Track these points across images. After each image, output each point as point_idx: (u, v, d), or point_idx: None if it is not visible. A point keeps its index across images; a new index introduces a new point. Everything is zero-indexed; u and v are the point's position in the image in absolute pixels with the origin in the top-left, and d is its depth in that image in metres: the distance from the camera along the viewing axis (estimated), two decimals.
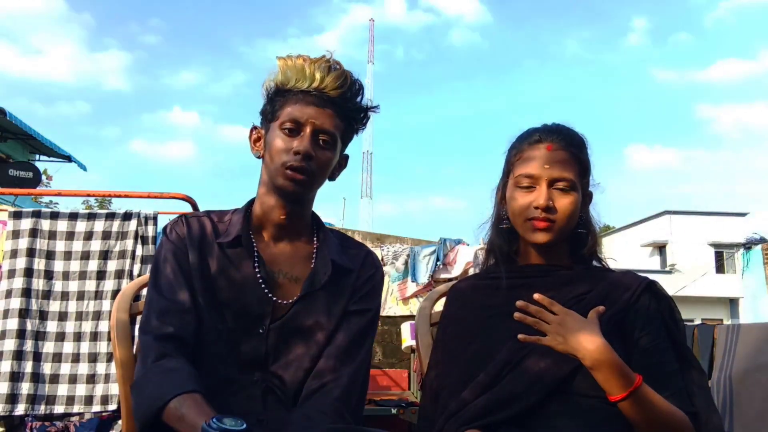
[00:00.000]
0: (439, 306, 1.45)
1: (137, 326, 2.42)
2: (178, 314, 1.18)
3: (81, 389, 2.52)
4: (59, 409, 2.50)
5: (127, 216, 2.70)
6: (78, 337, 2.57)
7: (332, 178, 1.32)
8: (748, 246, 22.59)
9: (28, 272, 2.57)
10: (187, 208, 2.99)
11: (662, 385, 1.15)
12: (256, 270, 1.23)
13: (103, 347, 2.56)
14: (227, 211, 1.32)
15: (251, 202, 1.32)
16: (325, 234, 1.33)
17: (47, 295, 2.58)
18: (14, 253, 2.60)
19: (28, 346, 2.51)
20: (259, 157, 1.30)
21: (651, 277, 1.29)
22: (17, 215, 2.65)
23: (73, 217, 2.67)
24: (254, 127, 1.32)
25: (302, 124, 1.22)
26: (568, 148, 1.27)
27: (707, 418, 1.16)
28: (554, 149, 1.26)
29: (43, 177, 11.40)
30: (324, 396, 1.18)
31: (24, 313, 2.53)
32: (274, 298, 1.23)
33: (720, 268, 23.59)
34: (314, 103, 1.23)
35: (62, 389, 2.52)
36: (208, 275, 1.23)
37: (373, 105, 1.32)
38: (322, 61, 1.25)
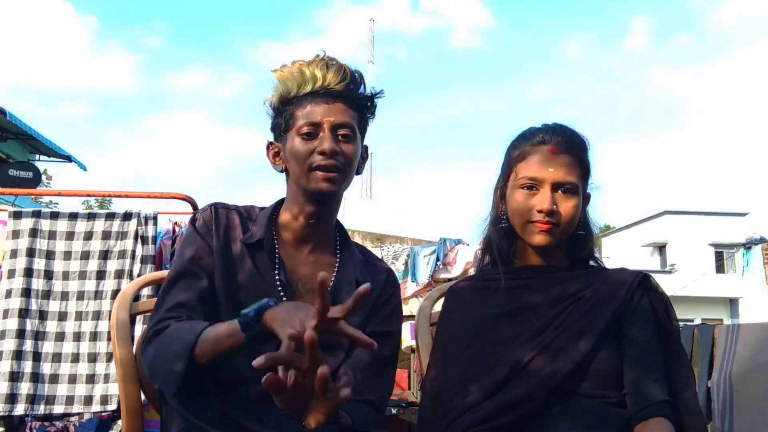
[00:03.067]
0: (439, 306, 1.45)
1: (137, 326, 2.44)
2: (186, 310, 1.17)
3: (80, 389, 2.51)
4: (59, 409, 2.50)
5: (127, 216, 2.70)
6: (77, 336, 2.57)
7: (358, 171, 1.31)
8: (748, 246, 22.54)
9: (28, 272, 2.57)
10: (187, 208, 2.99)
11: (646, 372, 1.17)
12: (276, 274, 1.23)
13: (102, 347, 2.56)
14: (255, 208, 1.31)
15: (279, 203, 1.31)
16: (349, 248, 1.32)
17: (47, 295, 2.58)
18: (14, 253, 2.60)
19: (28, 345, 2.51)
20: (282, 171, 1.29)
21: (648, 274, 1.29)
22: (17, 215, 2.65)
23: (73, 217, 2.67)
24: (270, 143, 1.31)
25: (319, 124, 1.21)
26: (571, 151, 1.26)
27: (691, 418, 1.17)
28: (558, 152, 1.25)
29: (43, 177, 11.39)
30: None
31: (24, 313, 2.52)
32: None
33: (720, 268, 23.59)
34: (324, 101, 1.23)
35: (62, 389, 2.52)
36: (230, 267, 1.23)
37: (376, 91, 1.30)
38: (318, 60, 1.24)
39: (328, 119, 1.21)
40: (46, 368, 2.52)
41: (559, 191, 1.24)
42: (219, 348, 1.06)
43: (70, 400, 2.51)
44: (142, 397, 1.35)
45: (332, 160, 1.20)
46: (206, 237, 1.24)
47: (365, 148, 1.34)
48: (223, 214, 1.27)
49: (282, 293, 1.22)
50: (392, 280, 1.36)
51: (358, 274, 1.28)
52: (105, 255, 2.64)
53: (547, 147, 1.26)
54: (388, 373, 1.29)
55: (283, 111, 1.26)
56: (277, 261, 1.24)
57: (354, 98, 1.26)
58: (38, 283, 2.57)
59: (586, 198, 1.32)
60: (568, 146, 1.26)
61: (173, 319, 1.15)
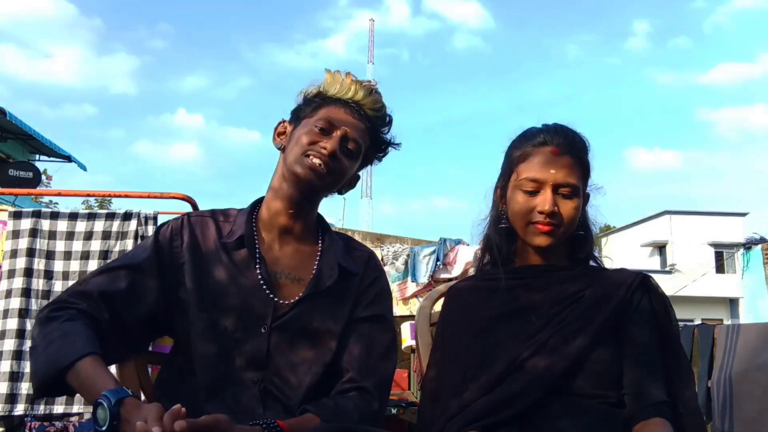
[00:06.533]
0: (439, 306, 1.45)
1: None
2: (90, 298, 1.17)
3: None
4: (58, 408, 2.50)
5: (127, 216, 2.70)
6: None
7: (340, 191, 1.35)
8: (748, 246, 22.57)
9: (28, 272, 2.57)
10: (187, 208, 2.99)
11: (646, 372, 1.17)
12: (258, 270, 1.24)
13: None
14: (233, 210, 1.33)
15: (257, 203, 1.33)
16: (330, 236, 1.34)
17: (47, 295, 2.58)
18: (14, 253, 2.60)
19: (28, 346, 2.51)
20: (279, 149, 1.32)
21: (648, 275, 1.29)
22: (17, 215, 2.65)
23: (73, 217, 2.67)
24: (282, 121, 1.35)
25: (335, 127, 1.26)
26: (572, 152, 1.26)
27: (690, 418, 1.17)
28: (560, 153, 1.25)
29: (43, 177, 11.39)
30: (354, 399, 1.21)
31: (24, 313, 2.52)
32: (276, 299, 1.23)
33: (720, 268, 23.57)
34: (350, 113, 1.29)
35: None
36: (204, 271, 1.24)
37: (395, 141, 1.38)
38: (367, 83, 1.32)
39: (345, 127, 1.27)
40: None
41: (560, 192, 1.24)
42: (82, 393, 1.06)
43: (69, 400, 2.51)
44: (142, 397, 1.35)
45: (327, 160, 1.23)
46: (162, 248, 1.25)
47: (356, 177, 1.38)
48: (197, 222, 1.29)
49: (265, 287, 1.23)
50: (374, 263, 1.37)
51: (340, 259, 1.29)
52: (105, 255, 2.64)
53: (548, 148, 1.25)
54: (387, 357, 1.28)
55: (313, 101, 1.31)
56: (257, 256, 1.25)
57: (376, 127, 1.33)
58: (38, 283, 2.57)
59: (586, 198, 1.32)
60: (569, 147, 1.26)
61: (74, 308, 1.14)
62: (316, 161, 1.23)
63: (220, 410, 1.14)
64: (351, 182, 1.36)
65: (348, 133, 1.27)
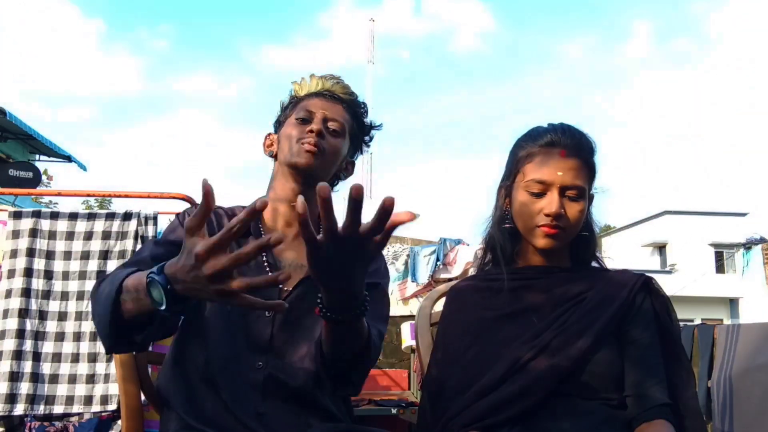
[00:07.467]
0: (439, 306, 1.44)
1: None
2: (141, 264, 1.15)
3: (80, 389, 2.51)
4: (59, 409, 2.50)
5: (127, 216, 2.69)
6: (77, 337, 2.56)
7: (339, 176, 1.41)
8: (748, 246, 22.55)
9: (28, 272, 2.57)
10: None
11: (648, 374, 1.17)
12: (264, 257, 1.27)
13: (102, 347, 2.56)
14: (238, 207, 1.38)
15: None
16: None
17: (47, 294, 2.58)
18: (14, 253, 2.59)
19: (28, 345, 2.51)
20: (272, 156, 1.40)
21: (651, 277, 1.29)
22: (17, 215, 2.65)
23: (73, 217, 2.66)
24: (269, 135, 1.43)
25: (314, 113, 1.34)
26: (580, 154, 1.25)
27: (691, 420, 1.17)
28: (567, 155, 1.23)
29: (43, 177, 11.39)
30: None
31: (24, 313, 2.52)
32: (280, 285, 1.24)
33: (720, 268, 23.59)
34: (324, 99, 1.37)
35: (62, 389, 2.51)
36: None
37: (376, 124, 1.45)
38: (330, 76, 1.41)
39: (322, 110, 1.35)
40: (46, 368, 2.51)
41: (567, 195, 1.23)
42: (139, 305, 1.00)
43: (70, 400, 2.51)
44: (142, 397, 1.35)
45: (316, 139, 1.30)
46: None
47: (351, 163, 1.44)
48: (215, 212, 1.33)
49: (269, 273, 1.25)
50: None
51: None
52: (105, 255, 2.64)
53: (556, 149, 1.24)
54: (386, 320, 1.31)
55: (289, 106, 1.40)
56: None
57: (353, 107, 1.40)
58: (38, 283, 2.57)
59: (590, 199, 1.31)
60: (577, 149, 1.24)
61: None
62: (306, 144, 1.29)
63: (222, 392, 1.16)
64: (347, 167, 1.42)
65: (327, 115, 1.34)
